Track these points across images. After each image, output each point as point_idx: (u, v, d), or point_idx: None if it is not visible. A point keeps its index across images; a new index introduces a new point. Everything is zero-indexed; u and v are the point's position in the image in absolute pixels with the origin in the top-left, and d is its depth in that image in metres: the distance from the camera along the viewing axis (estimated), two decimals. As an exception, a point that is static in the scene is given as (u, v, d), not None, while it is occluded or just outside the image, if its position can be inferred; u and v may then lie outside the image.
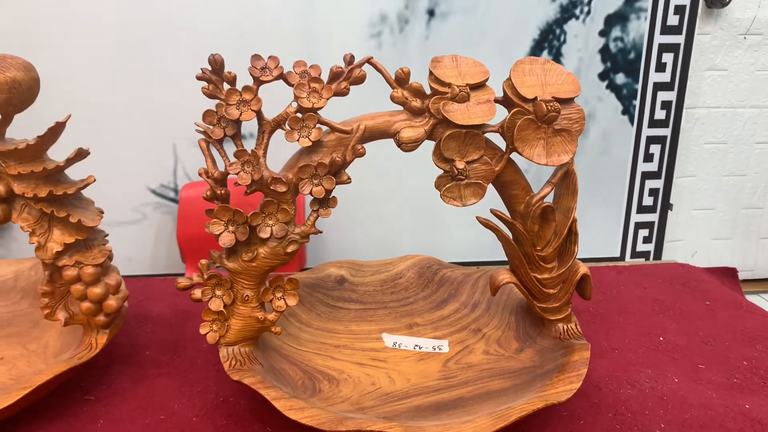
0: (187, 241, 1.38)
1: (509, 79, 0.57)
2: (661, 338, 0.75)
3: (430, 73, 0.56)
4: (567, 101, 0.57)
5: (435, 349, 0.66)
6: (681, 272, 0.95)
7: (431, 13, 1.37)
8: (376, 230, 1.45)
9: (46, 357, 0.63)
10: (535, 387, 0.55)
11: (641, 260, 1.64)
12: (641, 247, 1.61)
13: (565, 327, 0.62)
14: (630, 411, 0.60)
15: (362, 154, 0.55)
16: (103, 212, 0.59)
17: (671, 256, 1.74)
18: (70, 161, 0.54)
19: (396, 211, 1.47)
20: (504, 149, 0.58)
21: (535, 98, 0.56)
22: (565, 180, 0.60)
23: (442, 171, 0.57)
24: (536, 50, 1.42)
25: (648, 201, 1.58)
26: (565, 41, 1.43)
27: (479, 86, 0.56)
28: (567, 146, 0.58)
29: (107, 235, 0.60)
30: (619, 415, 0.60)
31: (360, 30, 1.36)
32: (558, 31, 1.42)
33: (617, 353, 0.71)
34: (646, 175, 1.56)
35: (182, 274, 1.43)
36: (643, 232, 1.60)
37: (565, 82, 0.58)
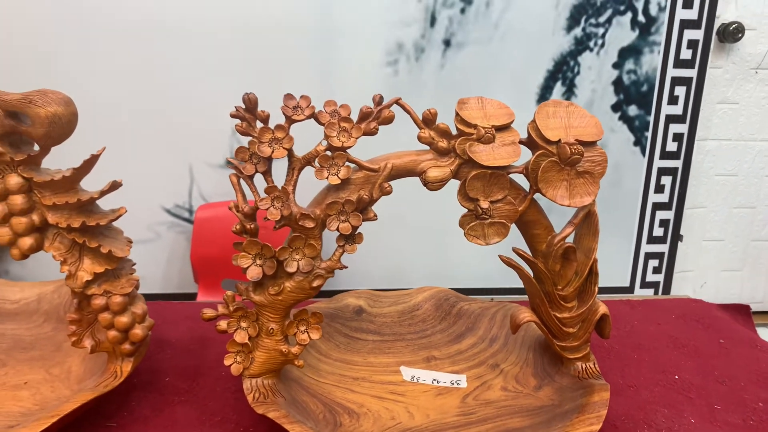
0: (200, 262, 1.39)
1: (534, 121, 0.58)
2: (677, 376, 0.75)
3: (457, 114, 0.57)
4: (590, 144, 0.58)
5: (453, 384, 0.67)
6: (694, 308, 0.95)
7: (447, 43, 1.39)
8: (384, 256, 1.46)
9: (70, 383, 0.64)
10: (555, 427, 0.55)
11: (650, 291, 1.64)
12: (651, 277, 1.62)
13: (584, 366, 0.63)
14: (647, 452, 0.60)
15: (389, 192, 0.56)
16: (131, 242, 0.60)
17: (680, 286, 1.75)
18: (103, 193, 0.55)
19: (404, 237, 1.48)
20: (527, 189, 0.59)
21: (559, 141, 0.57)
22: (586, 221, 0.61)
23: (466, 210, 0.58)
24: (550, 81, 1.43)
25: (658, 232, 1.59)
26: (578, 73, 1.45)
27: (504, 128, 0.58)
28: (589, 188, 0.59)
29: (134, 264, 0.61)
30: (637, 456, 0.60)
31: (377, 57, 1.38)
32: (572, 63, 1.44)
33: (633, 391, 0.72)
34: (657, 206, 1.57)
35: (194, 294, 1.44)
36: (653, 263, 1.61)
37: (588, 125, 0.59)
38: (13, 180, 0.54)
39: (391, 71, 1.39)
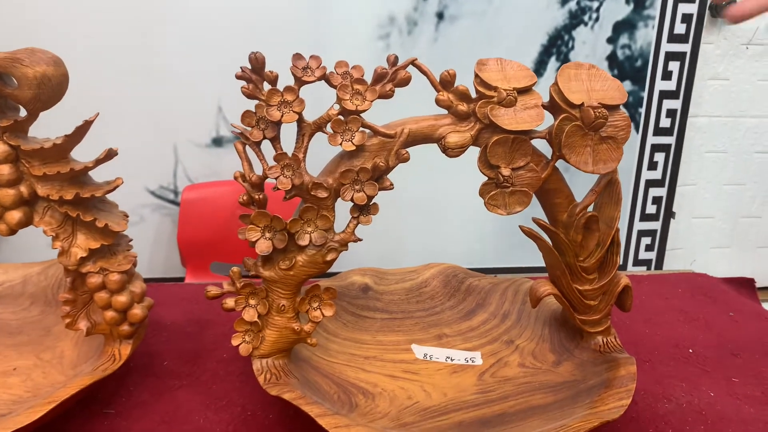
0: (187, 245, 1.34)
1: (556, 83, 0.55)
2: (691, 350, 0.73)
3: (476, 75, 0.54)
4: (613, 108, 0.56)
5: (468, 361, 0.64)
6: (700, 282, 0.94)
7: (440, 16, 1.36)
8: (379, 238, 1.43)
9: (63, 368, 0.60)
10: (581, 403, 0.53)
11: (643, 269, 1.64)
12: (643, 255, 1.61)
13: (605, 339, 0.61)
14: (671, 427, 0.59)
15: (406, 159, 0.53)
16: (128, 216, 0.56)
17: (670, 264, 1.75)
18: (99, 162, 0.51)
19: (398, 218, 1.45)
20: (547, 156, 0.56)
21: (582, 104, 0.54)
22: (608, 189, 0.59)
23: (487, 178, 0.55)
24: (544, 56, 1.41)
25: (651, 209, 1.58)
26: (573, 47, 1.42)
27: (526, 90, 0.54)
28: (613, 154, 0.56)
29: (131, 240, 0.57)
30: (661, 431, 0.58)
31: (369, 30, 1.34)
32: (566, 37, 1.41)
33: (649, 366, 0.70)
34: (650, 183, 1.56)
35: (182, 279, 1.40)
36: (646, 240, 1.60)
37: (610, 88, 0.56)
38: (-2, 148, 0.49)
39: (383, 45, 1.35)
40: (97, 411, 0.58)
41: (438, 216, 1.46)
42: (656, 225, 1.60)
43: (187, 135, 1.39)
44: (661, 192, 1.58)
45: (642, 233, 1.60)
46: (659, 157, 1.54)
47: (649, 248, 1.61)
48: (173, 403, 0.60)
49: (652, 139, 1.52)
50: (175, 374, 0.65)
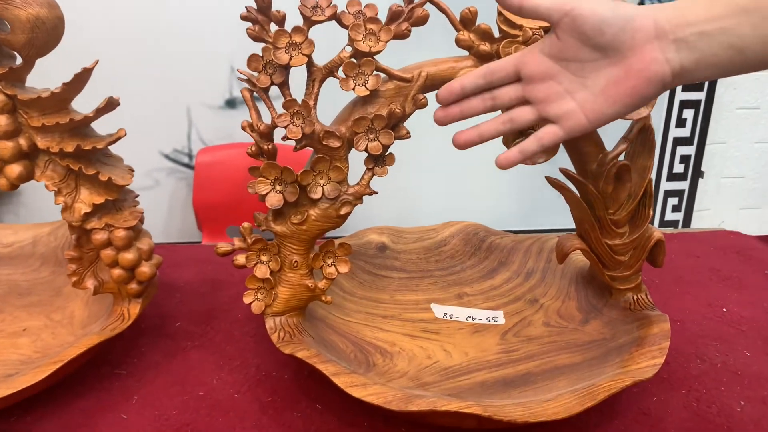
0: (203, 209, 1.33)
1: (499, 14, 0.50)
2: (725, 309, 0.70)
3: (499, 13, 0.50)
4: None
5: (489, 320, 0.61)
6: (733, 240, 0.90)
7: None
8: (394, 196, 1.40)
9: (73, 328, 0.58)
10: (611, 362, 0.50)
11: (670, 230, 1.59)
12: (670, 216, 1.56)
13: (636, 297, 0.57)
14: (704, 387, 0.56)
15: (424, 105, 0.50)
16: (133, 170, 0.54)
17: (698, 225, 1.69)
18: (99, 111, 0.48)
19: (415, 176, 1.42)
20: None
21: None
22: (641, 136, 0.55)
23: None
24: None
25: (679, 168, 1.52)
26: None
27: (553, 30, 0.50)
28: (646, 98, 0.52)
29: (138, 195, 0.55)
30: (694, 392, 0.55)
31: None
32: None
33: (680, 325, 0.67)
34: (678, 141, 1.50)
35: (198, 243, 1.38)
36: (673, 201, 1.55)
37: None
38: (-6, 98, 0.47)
39: None
40: (108, 372, 0.57)
41: (457, 173, 1.42)
42: (684, 185, 1.55)
43: (199, 97, 1.36)
44: (690, 150, 1.52)
45: (669, 193, 1.54)
46: (688, 113, 1.48)
47: (675, 209, 1.56)
48: (186, 364, 0.58)
49: (680, 95, 1.46)
50: (188, 335, 0.63)
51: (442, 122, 0.47)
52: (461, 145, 0.46)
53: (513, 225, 1.44)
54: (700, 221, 1.72)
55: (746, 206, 1.73)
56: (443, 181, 1.44)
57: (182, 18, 1.29)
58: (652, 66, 0.39)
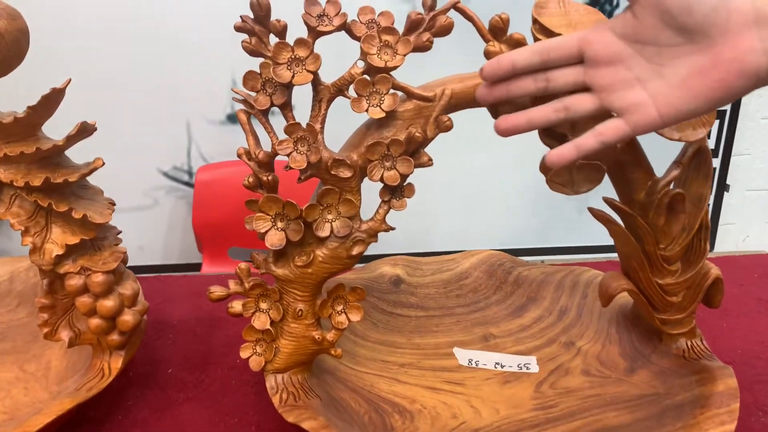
0: (203, 228, 1.26)
1: (536, 22, 0.43)
2: (780, 348, 0.62)
3: (535, 21, 0.43)
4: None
5: (521, 368, 0.54)
6: (777, 265, 0.82)
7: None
8: (407, 217, 1.33)
9: (48, 383, 0.51)
10: (670, 425, 0.43)
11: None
12: (694, 231, 1.48)
13: (690, 343, 0.50)
14: (773, 448, 0.48)
15: (449, 128, 0.43)
16: (114, 204, 0.47)
17: (722, 240, 1.62)
18: (71, 139, 0.42)
19: (429, 196, 1.35)
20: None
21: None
22: (695, 160, 0.48)
23: (549, 149, 0.44)
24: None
25: (703, 181, 1.45)
26: (618, 5, 1.29)
27: (596, 39, 0.43)
28: (703, 117, 0.45)
29: (120, 232, 0.48)
30: (761, 454, 0.48)
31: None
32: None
33: (733, 369, 0.59)
34: (703, 154, 1.43)
35: (199, 265, 1.31)
36: (697, 216, 1.47)
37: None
38: (-51, 125, 0.40)
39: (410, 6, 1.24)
40: (88, 432, 0.50)
41: (472, 193, 1.35)
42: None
43: (200, 112, 1.30)
44: (714, 162, 1.44)
45: (693, 208, 1.47)
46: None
47: (700, 224, 1.49)
48: (177, 422, 0.51)
49: (705, 105, 1.39)
50: (181, 385, 0.56)
51: (484, 100, 0.40)
52: (504, 130, 0.39)
53: (530, 243, 1.36)
54: (725, 235, 1.64)
55: (773, 220, 1.66)
56: (458, 198, 1.37)
57: (182, 27, 1.23)
58: (747, 56, 0.32)
